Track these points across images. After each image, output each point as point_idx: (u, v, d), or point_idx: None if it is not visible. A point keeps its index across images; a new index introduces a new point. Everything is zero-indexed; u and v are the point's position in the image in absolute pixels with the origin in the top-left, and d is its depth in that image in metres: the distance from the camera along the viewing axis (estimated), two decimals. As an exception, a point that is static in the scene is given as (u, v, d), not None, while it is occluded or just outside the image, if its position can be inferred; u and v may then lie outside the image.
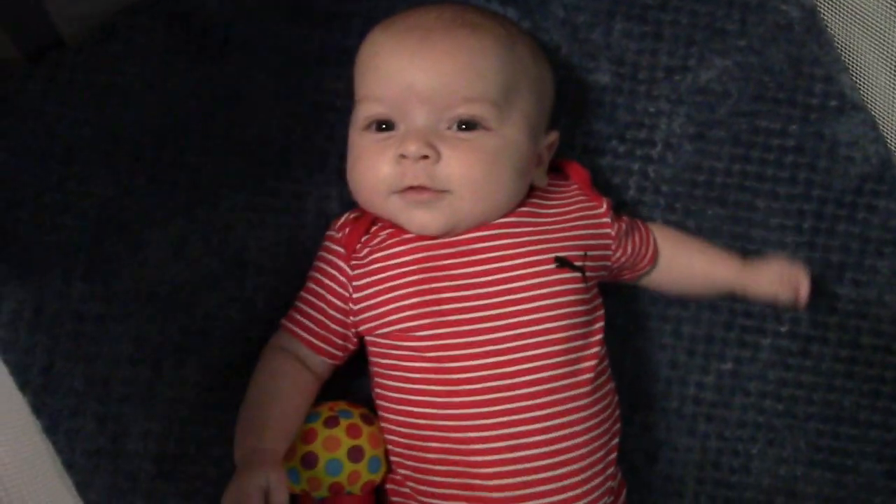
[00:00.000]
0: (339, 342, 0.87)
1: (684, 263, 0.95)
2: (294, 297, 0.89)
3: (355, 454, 0.82)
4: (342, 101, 0.95)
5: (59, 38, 0.87)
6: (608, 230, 0.90)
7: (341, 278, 0.86)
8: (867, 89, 1.00)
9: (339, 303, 0.86)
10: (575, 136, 0.98)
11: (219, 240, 0.92)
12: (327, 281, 0.86)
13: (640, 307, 0.99)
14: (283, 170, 0.94)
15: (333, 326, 0.86)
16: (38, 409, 0.87)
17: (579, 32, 0.98)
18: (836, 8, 1.00)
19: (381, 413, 0.85)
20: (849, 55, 1.00)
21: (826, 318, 0.99)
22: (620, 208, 0.99)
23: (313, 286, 0.87)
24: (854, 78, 1.00)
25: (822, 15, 1.00)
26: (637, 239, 0.93)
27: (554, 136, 0.91)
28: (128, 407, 0.88)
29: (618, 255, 0.91)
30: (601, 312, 0.88)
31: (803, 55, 0.99)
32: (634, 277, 0.96)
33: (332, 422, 0.83)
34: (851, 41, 0.99)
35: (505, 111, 0.83)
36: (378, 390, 0.85)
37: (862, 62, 0.99)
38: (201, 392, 0.90)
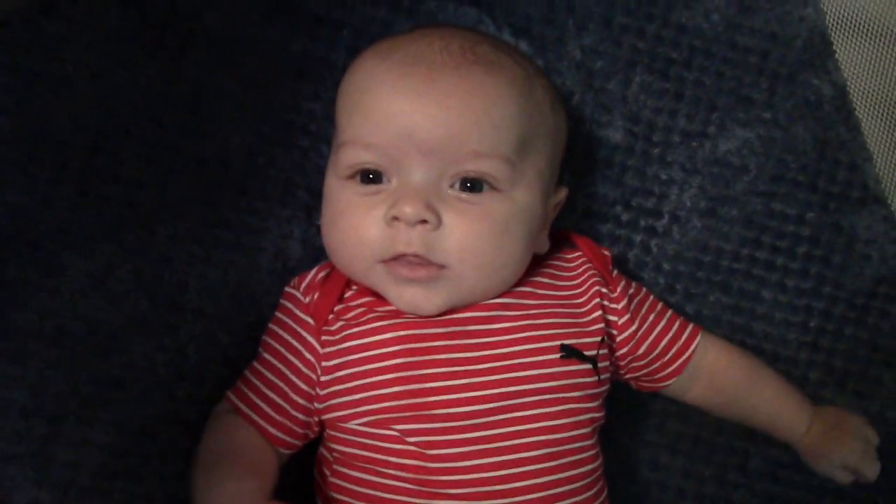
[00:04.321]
0: (300, 431, 0.73)
1: (744, 399, 0.83)
2: (236, 352, 0.78)
3: None
4: (318, 126, 0.85)
5: (-19, 6, 0.71)
6: (615, 318, 0.78)
7: (308, 356, 0.72)
8: (891, 183, 0.94)
9: (304, 386, 0.72)
10: (577, 196, 0.90)
11: (152, 274, 0.79)
12: (292, 357, 0.73)
13: (625, 395, 0.88)
14: (239, 198, 0.82)
15: (295, 413, 0.72)
16: None
17: (595, 80, 0.90)
18: (864, 90, 0.94)
19: None
20: (874, 143, 0.94)
21: None
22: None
23: (274, 361, 0.73)
24: (878, 169, 0.93)
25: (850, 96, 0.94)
26: (663, 341, 0.80)
27: (562, 194, 0.80)
28: (14, 468, 0.73)
29: (623, 350, 0.78)
30: (602, 413, 0.76)
31: (829, 137, 0.92)
32: (655, 388, 0.83)
33: None
34: (877, 129, 0.94)
35: (518, 169, 0.70)
36: (336, 481, 0.71)
37: (886, 152, 0.94)
38: (108, 457, 0.75)
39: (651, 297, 0.82)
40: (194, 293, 0.80)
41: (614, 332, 0.78)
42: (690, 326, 0.82)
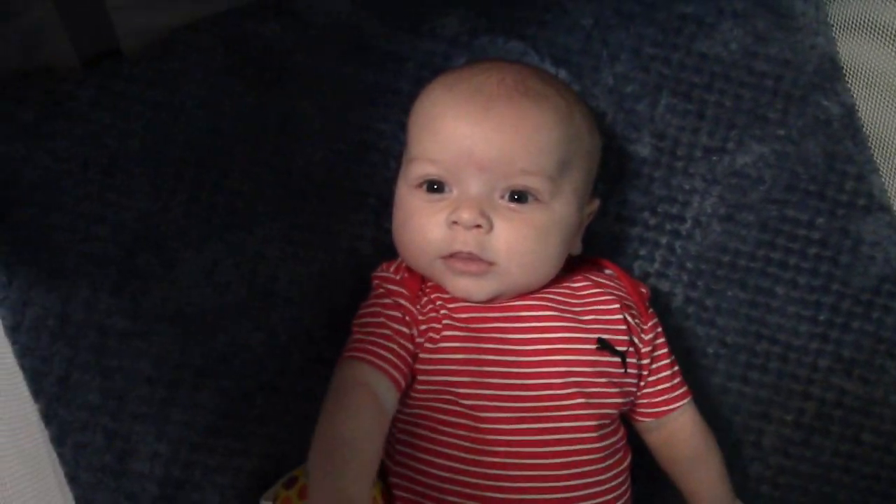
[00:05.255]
0: (410, 378, 0.80)
1: (685, 467, 0.89)
2: (318, 333, 0.88)
3: None
4: (386, 143, 0.93)
5: (117, 48, 0.85)
6: (643, 336, 0.86)
7: (408, 318, 0.81)
8: (896, 192, 1.01)
9: (411, 344, 0.80)
10: (609, 203, 0.97)
11: (250, 268, 0.89)
12: (403, 316, 0.80)
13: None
14: (321, 205, 0.91)
15: (411, 361, 0.80)
16: (48, 419, 0.83)
17: (625, 102, 0.97)
18: (874, 108, 0.99)
19: (398, 459, 0.81)
20: (881, 156, 0.99)
21: (831, 411, 0.98)
22: (643, 280, 0.97)
23: (391, 323, 0.80)
24: (884, 179, 0.99)
25: (859, 114, 1.00)
26: (661, 386, 0.88)
27: (595, 204, 0.89)
28: (139, 426, 0.85)
29: (634, 372, 0.86)
30: (626, 400, 0.85)
31: (838, 151, 0.98)
32: (632, 418, 0.89)
33: None
34: (885, 143, 0.98)
35: (558, 184, 0.80)
36: (402, 436, 0.81)
37: (893, 164, 0.98)
38: (214, 418, 0.86)
39: (667, 348, 0.88)
40: (284, 284, 0.88)
41: (640, 345, 0.86)
42: (684, 388, 0.88)
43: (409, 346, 0.79)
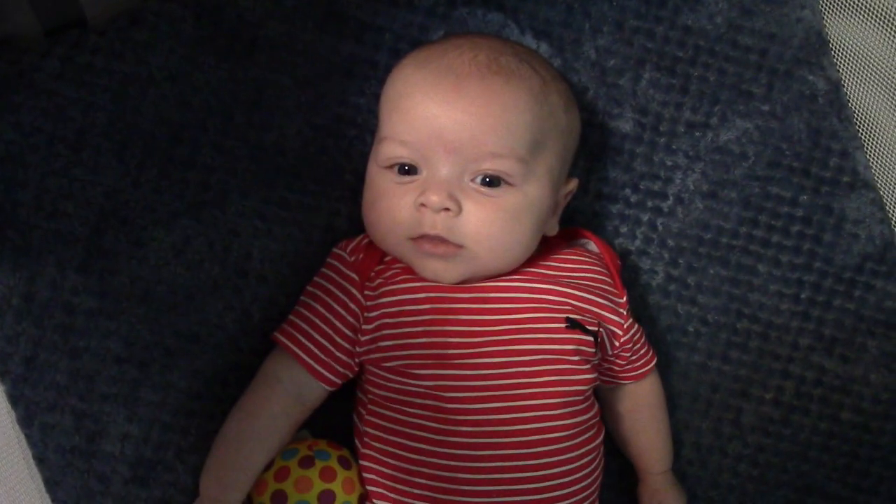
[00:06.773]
0: (341, 370, 0.81)
1: (638, 426, 0.93)
2: (292, 311, 0.85)
3: (326, 498, 0.78)
4: (363, 117, 0.91)
5: (82, 18, 0.81)
6: (621, 320, 0.86)
7: (353, 307, 0.81)
8: (880, 170, 0.98)
9: (348, 332, 0.80)
10: (590, 180, 0.96)
11: (223, 245, 0.87)
12: (338, 308, 0.80)
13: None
14: (295, 180, 0.89)
15: (338, 354, 0.80)
16: (14, 400, 0.81)
17: (608, 77, 0.95)
18: (858, 84, 0.98)
19: (367, 441, 0.81)
20: (866, 133, 0.98)
21: (811, 389, 0.98)
22: (624, 257, 0.97)
23: (322, 310, 0.81)
24: (869, 157, 0.98)
25: (845, 90, 0.98)
26: (639, 354, 0.89)
27: (573, 184, 0.87)
28: (109, 406, 0.83)
29: (617, 351, 0.87)
30: (596, 375, 0.85)
31: (823, 127, 0.96)
32: (608, 383, 0.91)
33: (307, 462, 0.79)
34: (870, 119, 0.97)
35: (530, 166, 0.78)
36: (370, 418, 0.81)
37: (878, 141, 0.97)
38: (186, 399, 0.84)
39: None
40: (258, 261, 0.87)
41: (615, 329, 0.86)
42: (651, 353, 0.91)
43: (343, 343, 0.80)
